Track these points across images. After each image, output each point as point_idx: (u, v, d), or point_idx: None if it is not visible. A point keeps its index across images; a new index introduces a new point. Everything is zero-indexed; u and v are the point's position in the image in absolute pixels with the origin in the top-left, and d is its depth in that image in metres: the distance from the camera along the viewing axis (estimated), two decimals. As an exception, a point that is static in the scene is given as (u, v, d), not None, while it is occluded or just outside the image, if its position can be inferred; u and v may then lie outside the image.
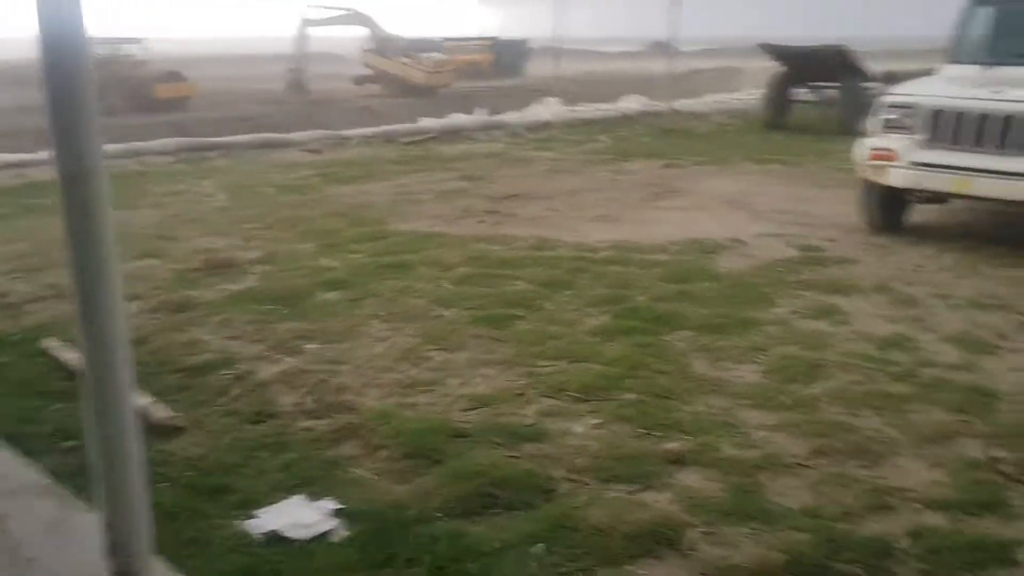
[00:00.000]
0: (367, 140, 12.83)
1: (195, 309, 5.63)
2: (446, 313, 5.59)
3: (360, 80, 39.49)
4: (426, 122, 14.20)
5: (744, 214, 8.80)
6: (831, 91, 16.22)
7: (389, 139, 13.00)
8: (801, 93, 16.92)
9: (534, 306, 5.72)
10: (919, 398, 4.28)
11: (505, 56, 56.24)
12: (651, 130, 16.13)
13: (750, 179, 11.07)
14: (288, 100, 35.21)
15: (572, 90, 36.28)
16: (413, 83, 36.86)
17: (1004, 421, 4.04)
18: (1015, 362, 4.82)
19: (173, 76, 32.65)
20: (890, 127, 7.50)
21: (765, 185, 10.60)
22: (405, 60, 37.43)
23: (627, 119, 16.90)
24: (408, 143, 13.01)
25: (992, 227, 8.03)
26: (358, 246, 7.30)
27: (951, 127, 7.11)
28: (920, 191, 7.42)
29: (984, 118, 6.96)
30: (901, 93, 7.72)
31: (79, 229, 2.40)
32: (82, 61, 2.18)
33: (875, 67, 16.80)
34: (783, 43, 16.79)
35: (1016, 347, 5.10)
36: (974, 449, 3.76)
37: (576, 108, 17.25)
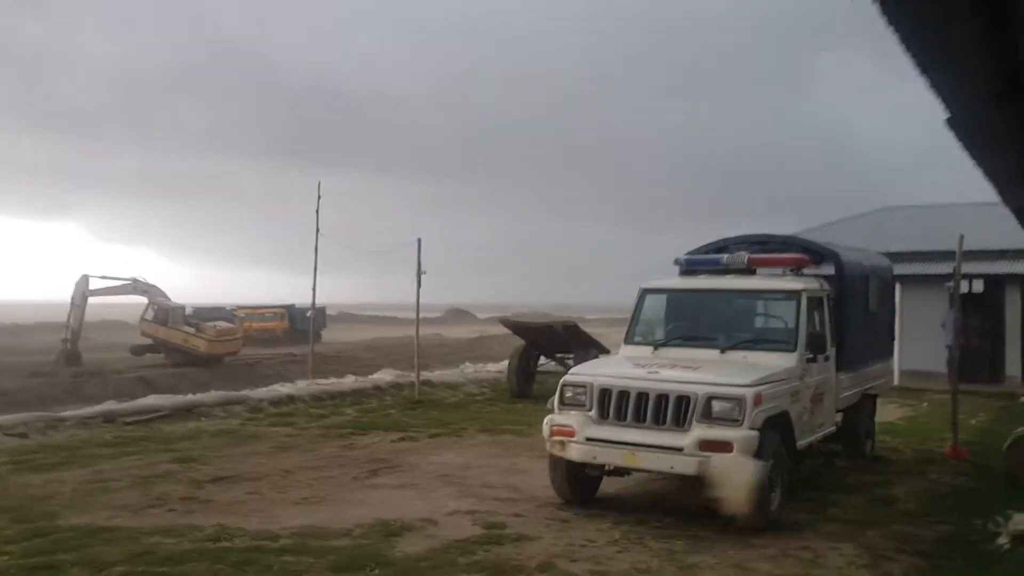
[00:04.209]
0: (84, 422, 12.10)
1: None
2: (72, 625, 5.11)
3: (139, 350, 38.12)
4: (155, 399, 13.72)
5: (452, 490, 8.89)
6: (568, 361, 17.32)
7: (109, 419, 12.34)
8: (544, 362, 17.95)
9: (177, 610, 5.35)
10: None
11: (301, 322, 56.58)
12: (401, 401, 16.37)
13: (477, 451, 11.33)
14: (57, 372, 33.21)
15: (365, 357, 36.74)
16: (195, 352, 36.09)
17: None
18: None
19: None
20: (567, 404, 8.02)
21: (489, 457, 10.87)
22: (187, 329, 36.77)
23: (379, 390, 17.11)
24: (131, 423, 12.40)
25: (678, 496, 8.50)
26: (12, 546, 6.64)
27: (616, 405, 7.70)
28: (596, 464, 7.84)
29: (643, 396, 7.60)
30: (576, 373, 8.36)
31: None
32: None
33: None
34: (520, 318, 17.97)
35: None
36: None
37: (323, 381, 17.33)
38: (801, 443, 8.28)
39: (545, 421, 8.12)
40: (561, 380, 8.27)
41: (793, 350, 8.34)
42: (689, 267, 9.97)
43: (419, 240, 16.50)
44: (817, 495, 8.75)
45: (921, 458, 11.22)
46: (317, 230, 19.69)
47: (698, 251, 10.47)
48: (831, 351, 9.13)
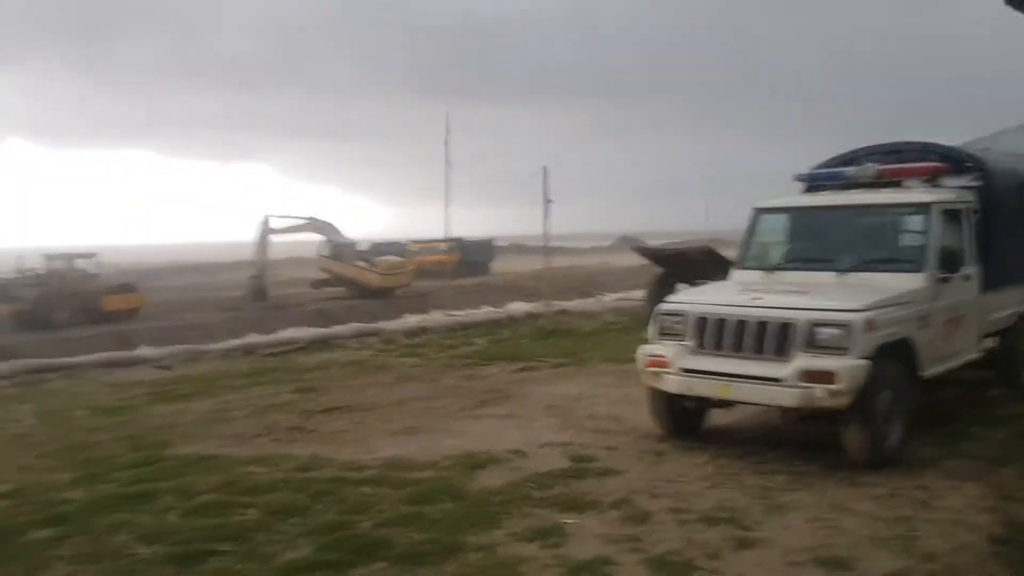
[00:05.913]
0: (225, 353, 12.80)
1: None
2: (144, 551, 5.34)
3: (316, 284, 40.17)
4: (294, 332, 14.29)
5: (554, 421, 8.70)
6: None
7: (249, 351, 12.98)
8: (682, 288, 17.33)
9: (245, 538, 5.48)
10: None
11: (471, 255, 57.91)
12: (534, 331, 16.29)
13: (595, 381, 11.06)
14: (245, 307, 35.49)
15: (532, 287, 36.94)
16: (368, 285, 37.73)
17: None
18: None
19: (122, 288, 32.90)
20: (664, 334, 7.56)
21: (605, 387, 10.56)
22: (360, 264, 38.47)
23: (513, 320, 17.10)
24: (268, 355, 12.99)
25: (789, 429, 7.92)
26: (120, 474, 7.06)
27: (712, 333, 7.18)
28: (692, 396, 7.39)
29: (742, 324, 7.04)
30: (673, 301, 7.87)
31: None
32: None
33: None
34: (654, 245, 17.36)
35: (718, 568, 4.90)
36: None
37: (457, 313, 17.49)
38: (931, 372, 7.46)
39: (639, 351, 7.71)
40: (656, 308, 7.81)
41: (921, 270, 7.46)
42: (812, 182, 9.16)
43: (544, 169, 16.22)
44: (955, 428, 7.91)
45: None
46: (447, 161, 19.78)
47: (827, 164, 9.59)
48: (973, 270, 8.15)
